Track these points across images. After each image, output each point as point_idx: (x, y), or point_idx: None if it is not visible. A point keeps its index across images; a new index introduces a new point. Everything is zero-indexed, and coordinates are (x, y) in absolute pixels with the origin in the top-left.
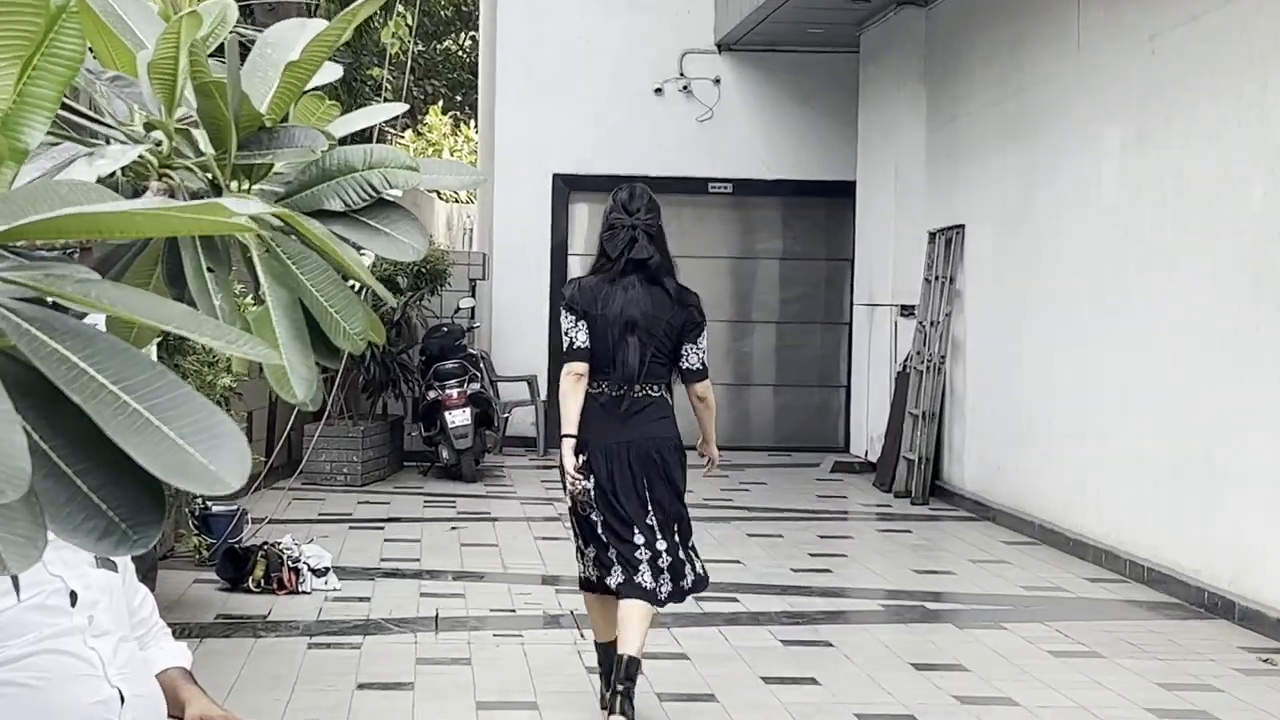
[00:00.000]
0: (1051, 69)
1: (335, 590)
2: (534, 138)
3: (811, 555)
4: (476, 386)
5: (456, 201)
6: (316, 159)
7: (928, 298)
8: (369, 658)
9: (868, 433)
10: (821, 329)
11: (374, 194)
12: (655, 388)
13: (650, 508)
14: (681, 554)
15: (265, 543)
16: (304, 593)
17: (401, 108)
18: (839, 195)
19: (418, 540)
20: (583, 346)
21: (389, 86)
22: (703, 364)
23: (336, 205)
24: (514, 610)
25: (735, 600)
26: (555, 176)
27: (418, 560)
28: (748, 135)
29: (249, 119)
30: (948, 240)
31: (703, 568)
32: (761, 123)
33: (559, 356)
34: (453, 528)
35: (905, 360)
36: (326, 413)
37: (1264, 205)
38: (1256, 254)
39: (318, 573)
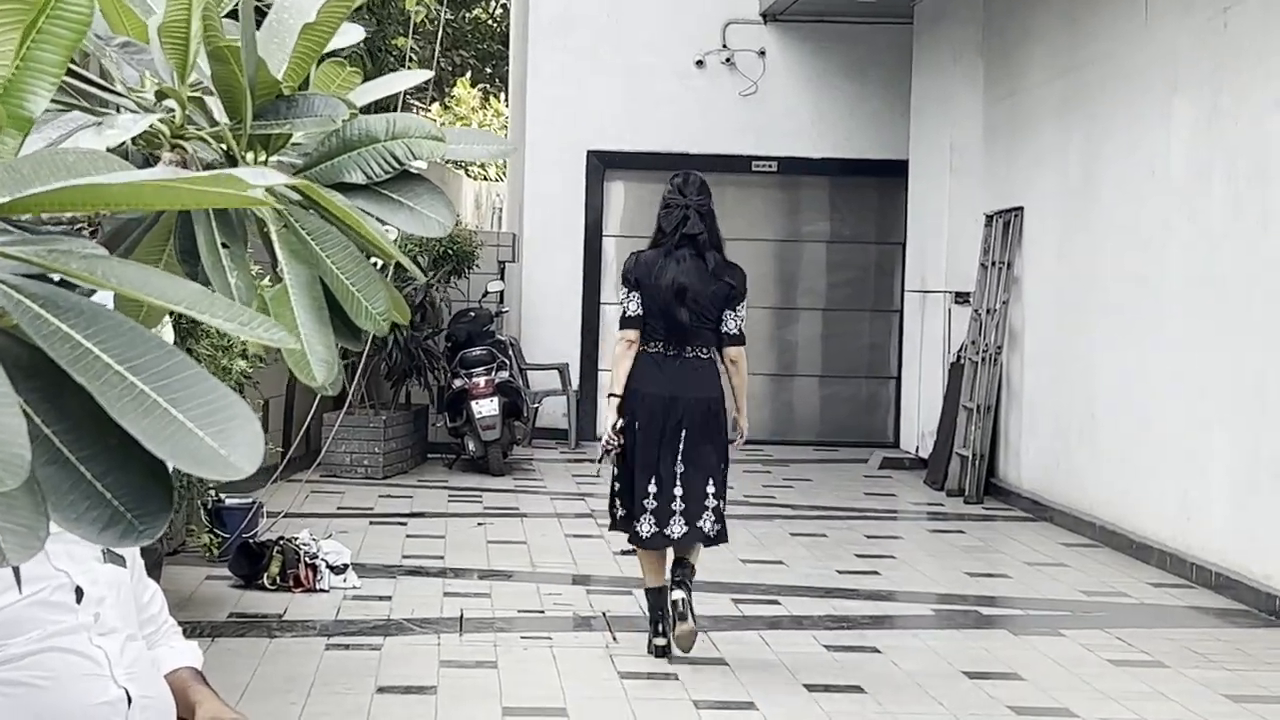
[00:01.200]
0: (1118, 41)
1: (355, 588)
2: (567, 112)
3: (858, 556)
4: (505, 375)
5: (485, 180)
6: (337, 129)
7: (984, 284)
8: (389, 660)
9: (919, 427)
10: (870, 317)
11: (397, 165)
12: (704, 350)
13: (681, 458)
14: (708, 502)
15: (281, 538)
16: (322, 591)
17: (426, 75)
18: (890, 175)
19: (442, 537)
20: (635, 315)
21: (414, 57)
22: (739, 330)
23: (358, 178)
24: (543, 611)
25: (777, 603)
26: (590, 153)
27: (442, 558)
28: (794, 110)
29: (265, 86)
30: (1006, 223)
31: (717, 528)
32: (809, 97)
33: (593, 343)
34: (479, 524)
35: (959, 351)
36: (347, 401)
37: None
38: None
39: (336, 570)
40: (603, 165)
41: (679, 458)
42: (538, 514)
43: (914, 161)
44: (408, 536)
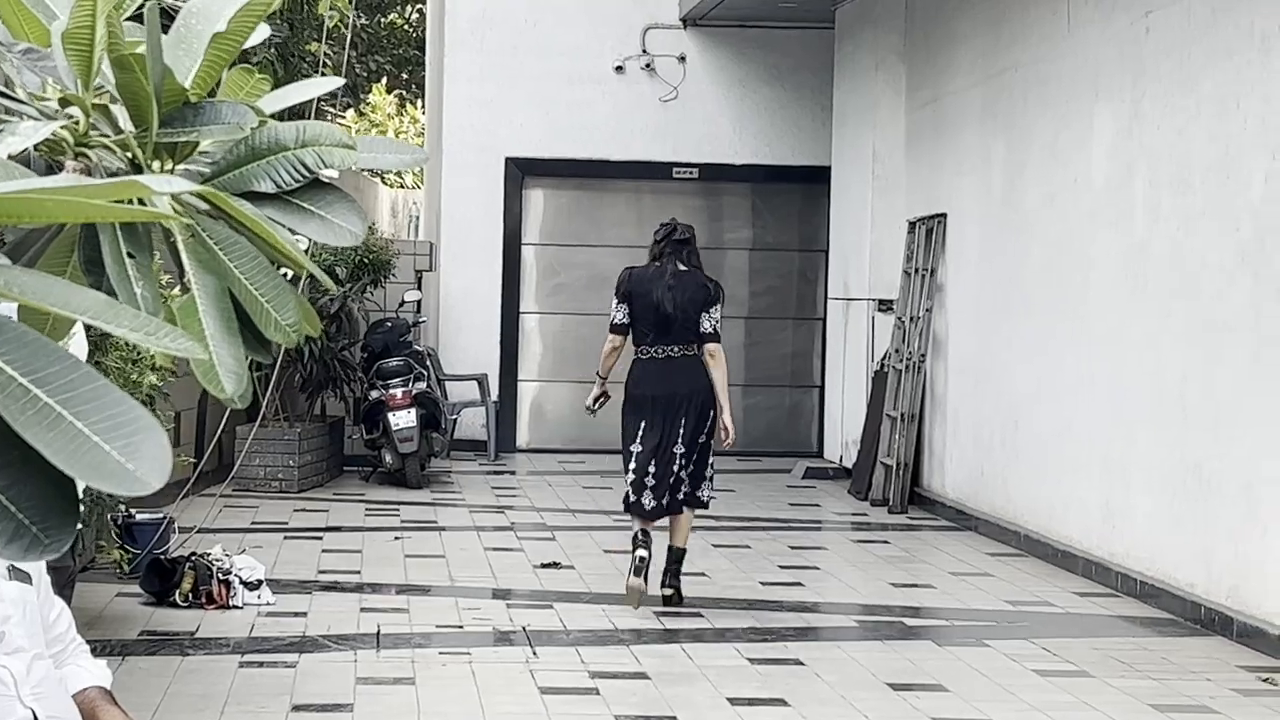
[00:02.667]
0: (1040, 47)
1: (269, 604)
2: (485, 119)
3: (781, 567)
4: (422, 386)
5: (402, 187)
6: (245, 136)
7: (907, 291)
8: (305, 677)
9: (842, 436)
10: (794, 325)
11: (308, 174)
12: (690, 348)
13: (681, 443)
14: (692, 476)
15: (194, 553)
16: (235, 607)
17: (337, 82)
18: (813, 181)
19: (358, 551)
20: (621, 323)
21: (328, 62)
22: (714, 329)
23: (267, 186)
24: (461, 626)
25: (699, 615)
26: (508, 160)
27: (358, 572)
28: (715, 116)
29: (172, 94)
30: (929, 230)
31: (709, 495)
32: (730, 103)
33: (512, 353)
34: (396, 538)
35: (883, 359)
36: (261, 414)
37: (1266, 193)
38: (1258, 246)
39: (250, 586)
40: (521, 172)
41: (680, 441)
42: (456, 527)
43: (836, 168)
44: (323, 551)
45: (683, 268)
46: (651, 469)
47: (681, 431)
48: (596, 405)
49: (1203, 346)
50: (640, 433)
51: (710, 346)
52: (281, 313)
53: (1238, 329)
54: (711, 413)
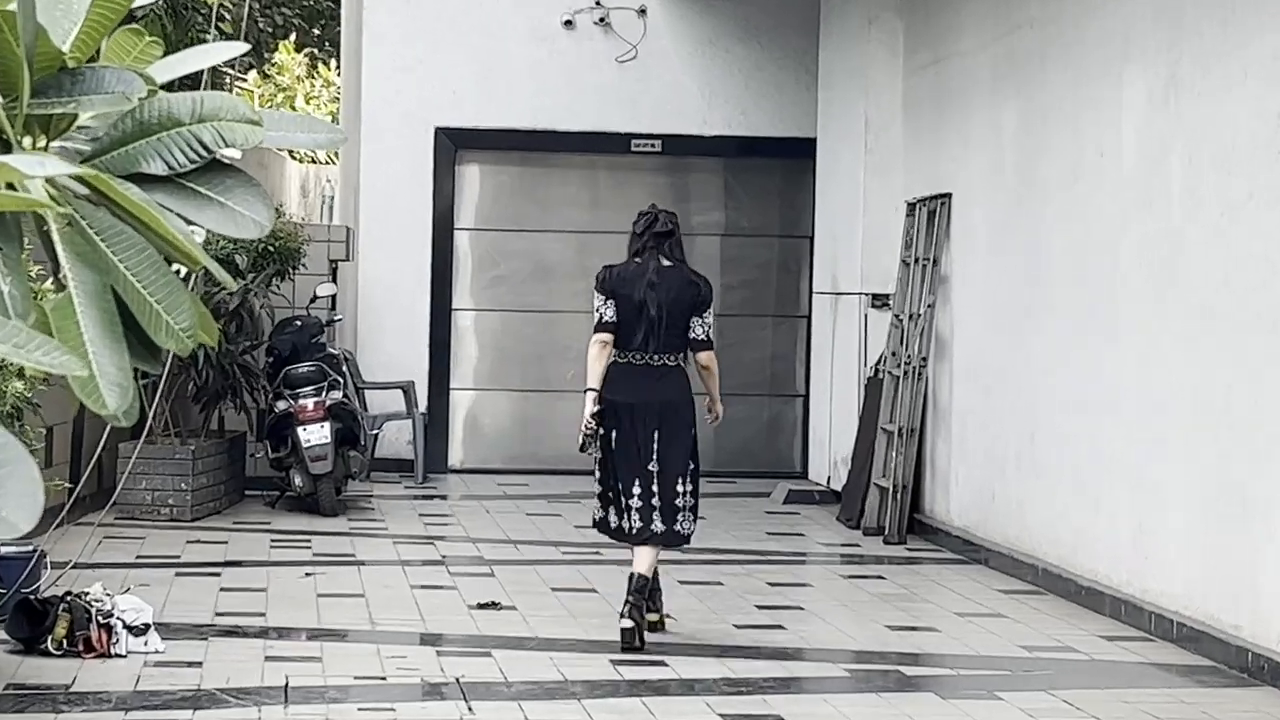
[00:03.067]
0: (1059, 1)
1: (157, 652)
2: (412, 82)
3: (759, 608)
4: (338, 395)
5: (314, 162)
6: (133, 109)
7: (906, 285)
8: None
9: (830, 454)
10: (773, 323)
11: (205, 154)
12: (672, 358)
13: (655, 461)
14: (679, 502)
15: (69, 593)
16: (118, 656)
17: (242, 48)
18: (795, 156)
19: (263, 589)
20: (610, 320)
21: (227, 17)
22: (707, 336)
23: (158, 168)
24: (384, 678)
25: (663, 664)
26: (438, 131)
27: (263, 615)
28: (680, 80)
29: (46, 57)
30: (930, 213)
31: (690, 528)
32: (698, 65)
33: (444, 357)
34: (307, 574)
35: (878, 363)
36: (148, 429)
37: None
38: None
39: (135, 631)
40: (454, 145)
41: (654, 459)
42: (378, 561)
43: (823, 141)
44: (222, 590)
45: (667, 263)
46: (621, 486)
47: (656, 448)
48: (593, 432)
49: (1249, 351)
50: (613, 444)
51: (702, 355)
52: (174, 315)
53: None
54: (694, 431)
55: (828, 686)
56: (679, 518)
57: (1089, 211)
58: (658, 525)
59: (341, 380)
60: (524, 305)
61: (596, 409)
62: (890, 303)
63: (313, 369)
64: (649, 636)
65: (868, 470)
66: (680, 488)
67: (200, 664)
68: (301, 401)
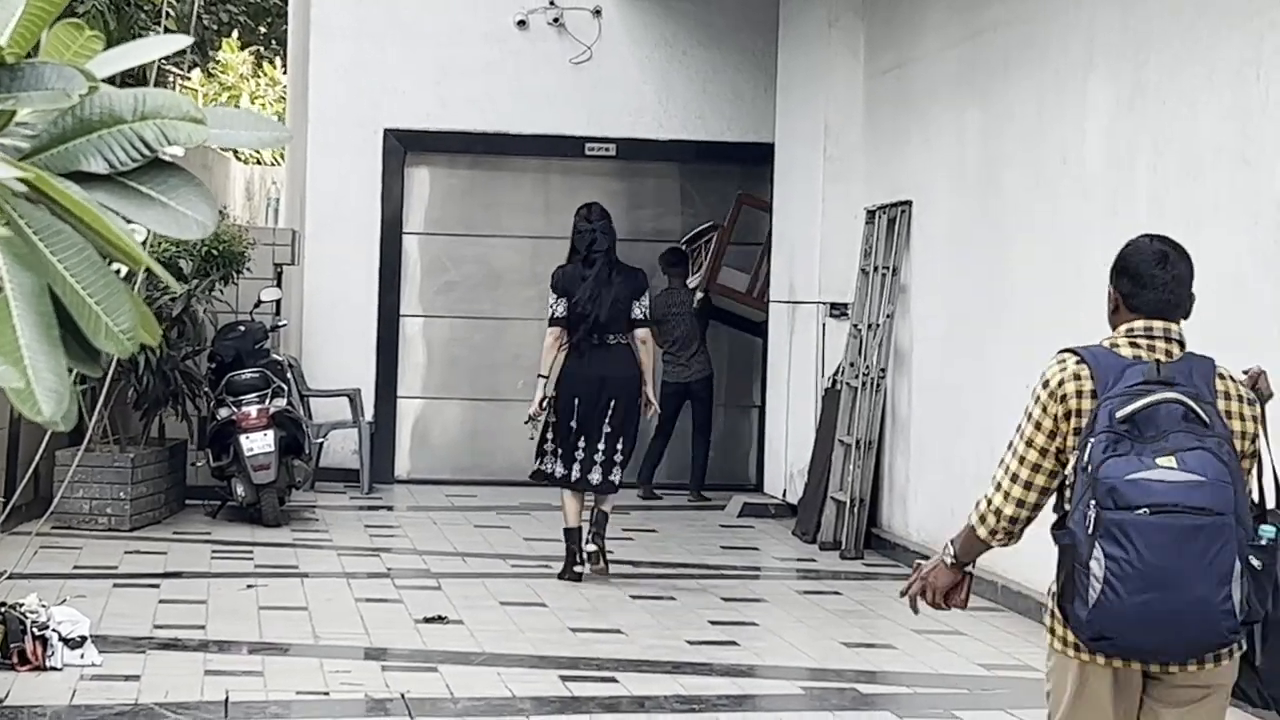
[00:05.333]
0: (1026, 4)
1: (94, 666)
2: (360, 82)
3: (713, 624)
4: (282, 403)
5: (259, 164)
6: (73, 105)
7: (864, 294)
8: None
9: (786, 467)
10: (728, 333)
11: (148, 153)
12: (621, 337)
13: (607, 425)
14: (617, 458)
15: (3, 604)
16: (53, 669)
17: (186, 41)
18: (752, 161)
19: (203, 602)
20: (561, 316)
21: (170, 13)
22: (644, 315)
23: (99, 166)
24: (328, 693)
25: (614, 681)
26: (388, 133)
27: (203, 627)
28: (636, 83)
29: None
30: (890, 220)
31: (620, 478)
32: (654, 67)
33: (391, 363)
34: (249, 586)
35: (835, 374)
36: (86, 436)
37: None
38: None
39: (71, 643)
40: (403, 147)
41: (606, 422)
42: (322, 573)
43: (781, 146)
44: (161, 602)
45: (609, 261)
46: (581, 444)
47: (610, 414)
48: (540, 415)
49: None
50: (575, 409)
51: (640, 332)
52: (114, 317)
53: (1255, 345)
54: (639, 400)
55: (782, 704)
56: (614, 470)
57: (1052, 220)
58: (596, 476)
59: (286, 387)
60: (474, 312)
61: (543, 396)
62: (849, 312)
63: (256, 376)
64: (599, 653)
65: (824, 483)
66: (620, 446)
67: (138, 677)
68: (244, 409)
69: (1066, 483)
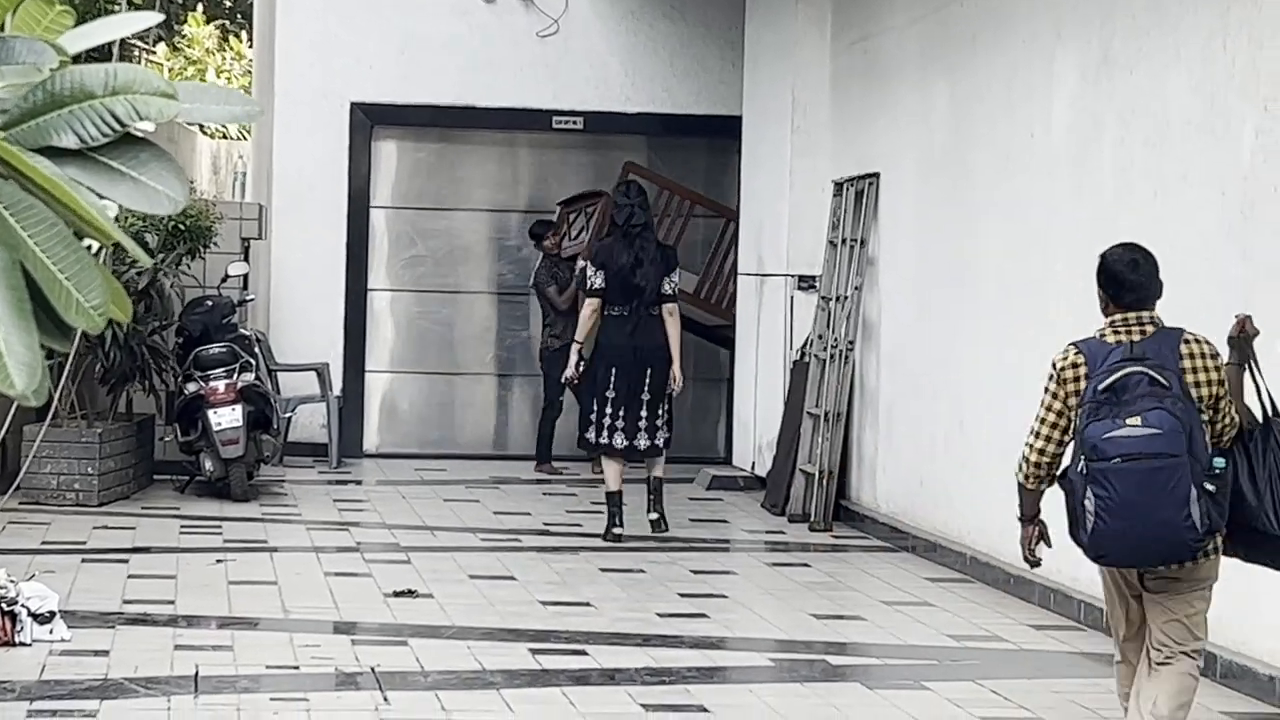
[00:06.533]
0: None
1: (63, 641)
2: (327, 56)
3: (682, 596)
4: (250, 378)
5: (225, 138)
6: (43, 80)
7: (832, 266)
8: None
9: (755, 440)
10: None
11: (118, 127)
12: (654, 309)
13: (646, 393)
14: (659, 423)
15: None
16: (22, 644)
17: (156, 18)
18: (720, 134)
19: (172, 577)
20: (600, 287)
21: None
22: (673, 291)
23: (69, 141)
24: (297, 667)
25: (584, 653)
26: (354, 107)
27: (172, 602)
28: (603, 56)
29: None
30: (858, 193)
31: (667, 437)
32: (621, 40)
33: (359, 338)
34: (218, 560)
35: (803, 346)
36: (53, 411)
37: (1256, 153)
38: (1246, 216)
39: (40, 619)
40: (370, 121)
41: (645, 389)
42: (291, 548)
43: (748, 119)
44: (130, 577)
45: (646, 238)
46: (622, 413)
47: (648, 382)
48: (575, 379)
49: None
50: (612, 379)
51: (668, 306)
52: (86, 292)
53: (1224, 314)
54: (668, 368)
55: (752, 676)
56: (658, 433)
57: (1019, 193)
58: (643, 441)
59: (253, 362)
60: (442, 286)
61: (581, 362)
62: (817, 284)
63: (224, 350)
64: (569, 625)
65: (793, 456)
66: (662, 410)
67: (107, 653)
68: (212, 384)
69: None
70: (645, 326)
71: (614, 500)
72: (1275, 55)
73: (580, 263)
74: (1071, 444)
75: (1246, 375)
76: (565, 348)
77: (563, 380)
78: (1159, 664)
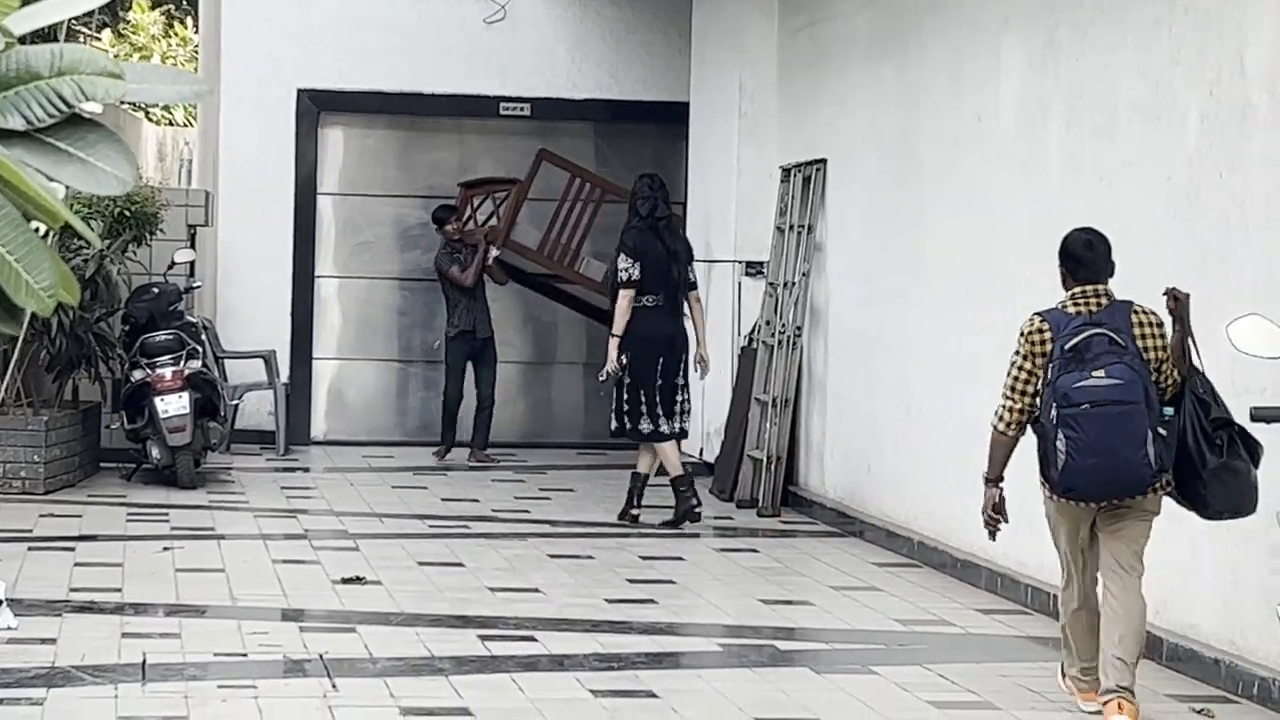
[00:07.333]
0: None
1: (10, 629)
2: (273, 43)
3: (630, 582)
4: (197, 365)
5: (171, 124)
6: None
7: (780, 252)
8: (55, 716)
9: (703, 426)
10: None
11: (66, 108)
12: (681, 299)
13: (679, 377)
14: (688, 408)
15: None
16: None
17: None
18: (667, 120)
19: (119, 564)
20: (636, 279)
21: None
22: (694, 278)
23: (16, 122)
24: (245, 654)
25: (532, 640)
26: (301, 93)
27: (119, 590)
28: (550, 42)
29: None
30: (806, 179)
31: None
32: (567, 25)
33: (307, 325)
34: (165, 548)
35: (751, 332)
36: None
37: (1201, 137)
38: (1193, 199)
39: None
40: (317, 108)
41: (679, 376)
42: (238, 535)
43: (696, 105)
44: (76, 565)
45: (674, 228)
46: (672, 399)
47: (682, 368)
48: (617, 373)
49: None
50: (659, 368)
51: (695, 293)
52: (35, 275)
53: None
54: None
55: (701, 661)
56: (687, 420)
57: (967, 178)
58: (683, 426)
59: (200, 349)
60: (390, 272)
61: (623, 355)
62: (764, 271)
63: (170, 337)
64: (517, 612)
65: (741, 442)
66: (689, 397)
67: (55, 641)
68: (159, 371)
69: (1039, 399)
70: (677, 315)
71: (638, 481)
72: (1220, 40)
73: (491, 251)
74: (1043, 394)
75: (1189, 341)
76: (461, 334)
77: (603, 376)
78: (1113, 588)
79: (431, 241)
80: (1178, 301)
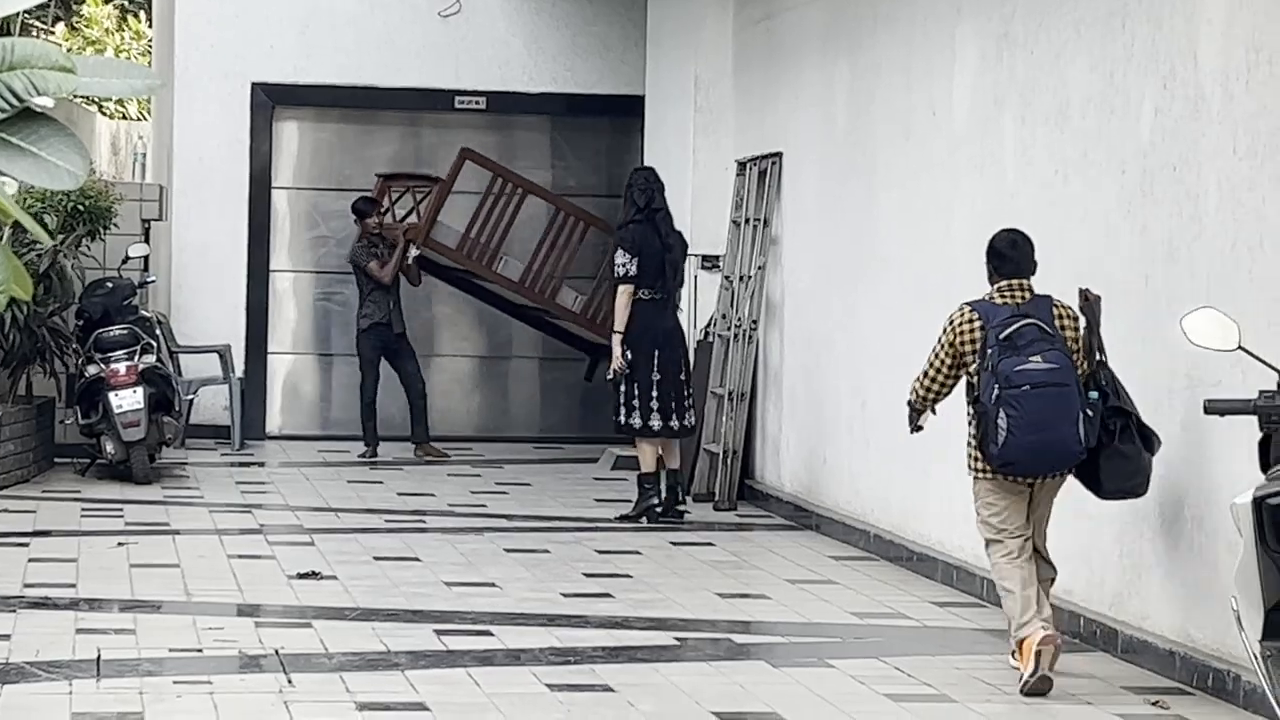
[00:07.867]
0: None
1: None
2: (227, 36)
3: (587, 576)
4: (151, 360)
5: (125, 119)
6: None
7: (735, 246)
8: (9, 713)
9: None
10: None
11: (17, 102)
12: (675, 293)
13: (682, 373)
14: (690, 403)
15: None
16: None
17: None
18: (623, 114)
19: (73, 560)
20: (634, 274)
21: None
22: (683, 276)
23: None
24: (200, 650)
25: (489, 634)
26: (255, 87)
27: (74, 586)
28: (505, 35)
29: None
30: (761, 172)
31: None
32: (523, 19)
33: (262, 320)
34: (120, 544)
35: (707, 326)
36: None
37: (1155, 131)
38: (1145, 193)
39: None
40: (271, 101)
41: (680, 372)
42: (193, 530)
43: (651, 98)
44: (30, 560)
45: (669, 221)
46: (669, 394)
47: (681, 362)
48: (623, 371)
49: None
50: (656, 363)
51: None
52: None
53: (1124, 293)
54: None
55: (657, 655)
56: (689, 413)
57: (921, 171)
58: (685, 421)
59: (155, 344)
60: (345, 267)
61: (627, 351)
62: (720, 264)
63: (125, 332)
64: (474, 606)
65: (697, 435)
66: (689, 393)
67: (9, 637)
68: (113, 366)
69: (973, 380)
70: (672, 308)
71: (649, 480)
72: (1174, 33)
73: (411, 250)
74: (981, 376)
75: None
76: (374, 327)
77: (609, 375)
78: (1041, 553)
79: None
80: (1088, 301)
